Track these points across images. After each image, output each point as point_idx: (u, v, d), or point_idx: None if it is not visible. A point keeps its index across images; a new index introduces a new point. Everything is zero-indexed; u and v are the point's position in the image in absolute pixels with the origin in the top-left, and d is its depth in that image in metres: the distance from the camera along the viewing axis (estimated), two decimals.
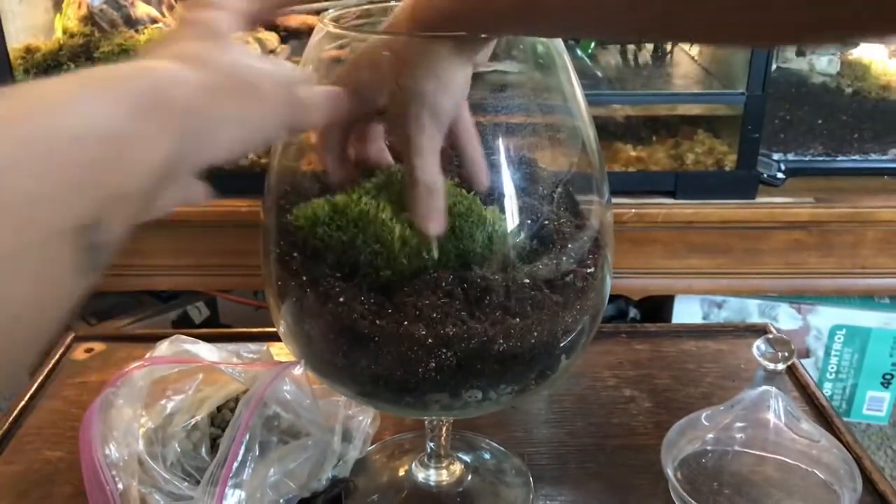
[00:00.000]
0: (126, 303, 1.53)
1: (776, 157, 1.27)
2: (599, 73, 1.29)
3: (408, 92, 0.40)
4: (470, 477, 0.58)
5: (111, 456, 0.49)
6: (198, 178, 0.37)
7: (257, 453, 0.50)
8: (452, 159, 0.45)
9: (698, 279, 1.25)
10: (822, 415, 0.64)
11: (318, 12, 0.48)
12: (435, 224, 0.42)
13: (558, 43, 0.47)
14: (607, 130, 1.24)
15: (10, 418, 0.63)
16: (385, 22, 0.45)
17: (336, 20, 0.47)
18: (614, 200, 0.50)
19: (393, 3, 0.52)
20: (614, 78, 1.30)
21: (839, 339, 1.40)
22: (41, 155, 0.26)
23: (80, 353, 0.72)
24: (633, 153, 1.24)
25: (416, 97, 0.40)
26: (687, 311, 1.42)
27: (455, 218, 0.42)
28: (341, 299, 0.42)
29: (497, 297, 0.42)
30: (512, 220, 0.44)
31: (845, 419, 1.11)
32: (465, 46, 0.40)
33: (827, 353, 1.41)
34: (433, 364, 0.42)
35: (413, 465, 0.58)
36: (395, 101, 0.41)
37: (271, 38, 1.31)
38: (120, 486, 0.48)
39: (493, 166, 0.44)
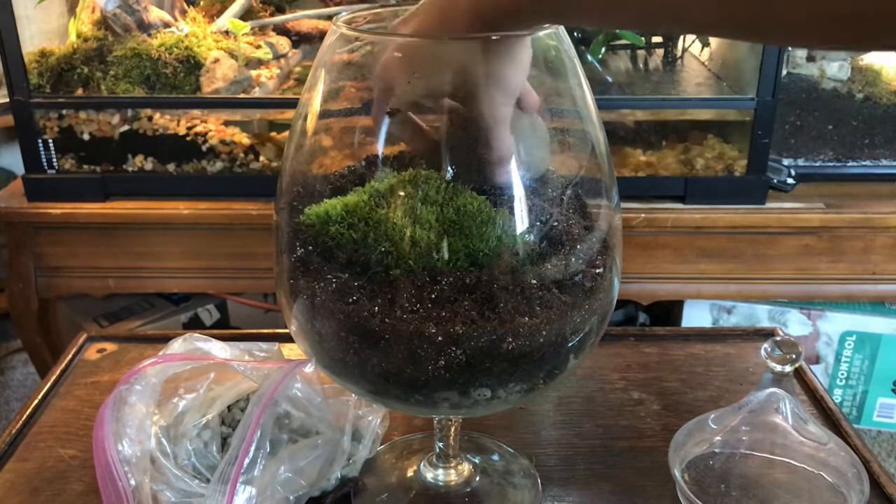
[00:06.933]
0: (137, 305, 1.54)
1: (786, 162, 1.27)
2: (609, 78, 1.30)
3: (473, 73, 0.43)
4: (478, 478, 0.58)
5: (124, 452, 0.50)
6: None
7: (268, 451, 0.50)
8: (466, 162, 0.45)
9: (708, 284, 1.26)
10: (829, 418, 0.64)
11: (329, 17, 0.49)
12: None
13: (569, 47, 0.47)
14: (617, 135, 1.25)
15: (24, 417, 0.64)
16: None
17: (348, 23, 0.48)
18: (624, 205, 0.51)
19: (403, 8, 0.53)
20: (624, 83, 1.31)
21: (849, 345, 1.40)
22: None
23: (92, 353, 0.73)
24: (642, 158, 1.24)
25: (483, 75, 0.43)
26: (696, 317, 1.42)
27: (465, 218, 0.43)
28: (352, 297, 0.43)
29: (506, 297, 0.43)
30: (521, 221, 0.44)
31: (856, 426, 1.11)
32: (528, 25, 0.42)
33: (837, 360, 1.41)
34: (442, 362, 0.43)
35: (422, 465, 0.59)
36: (467, 84, 0.43)
37: (283, 43, 1.32)
38: (132, 482, 0.49)
39: (499, 160, 0.45)
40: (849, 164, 1.28)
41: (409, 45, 0.44)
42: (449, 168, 0.45)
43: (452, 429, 0.56)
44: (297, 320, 0.48)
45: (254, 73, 1.24)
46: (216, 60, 1.21)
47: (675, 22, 0.39)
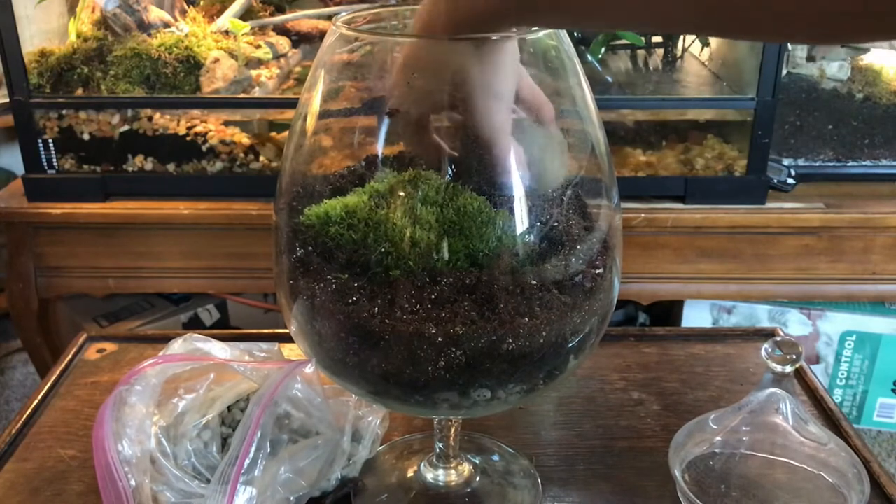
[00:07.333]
0: (137, 305, 1.54)
1: (786, 162, 1.27)
2: (609, 78, 1.30)
3: (465, 84, 0.43)
4: (478, 478, 0.58)
5: (124, 453, 0.50)
6: None
7: (268, 451, 0.50)
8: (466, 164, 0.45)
9: (708, 284, 1.26)
10: (830, 418, 0.64)
11: (329, 17, 0.49)
12: None
13: (568, 47, 0.47)
14: (617, 135, 1.25)
15: (24, 417, 0.63)
16: (405, 22, 0.46)
17: (348, 23, 0.48)
18: (624, 205, 0.51)
19: (403, 8, 0.53)
20: (624, 83, 1.31)
21: (849, 345, 1.40)
22: None
23: (92, 353, 0.73)
24: (642, 158, 1.24)
25: (475, 88, 0.42)
26: (696, 317, 1.42)
27: (465, 218, 0.43)
28: (352, 298, 0.43)
29: (506, 297, 0.43)
30: (521, 221, 0.44)
31: (856, 426, 1.11)
32: (505, 27, 0.42)
33: (837, 360, 1.41)
34: (442, 363, 0.43)
35: (422, 465, 0.59)
36: (458, 94, 0.43)
37: (283, 43, 1.32)
38: (132, 482, 0.49)
39: (503, 169, 0.45)
40: (849, 164, 1.28)
41: (404, 49, 0.44)
42: (449, 168, 0.45)
43: (452, 429, 0.56)
44: (296, 321, 0.48)
45: (254, 73, 1.24)
46: (216, 60, 1.21)
47: (654, 22, 0.39)
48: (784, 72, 1.25)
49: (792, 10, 0.31)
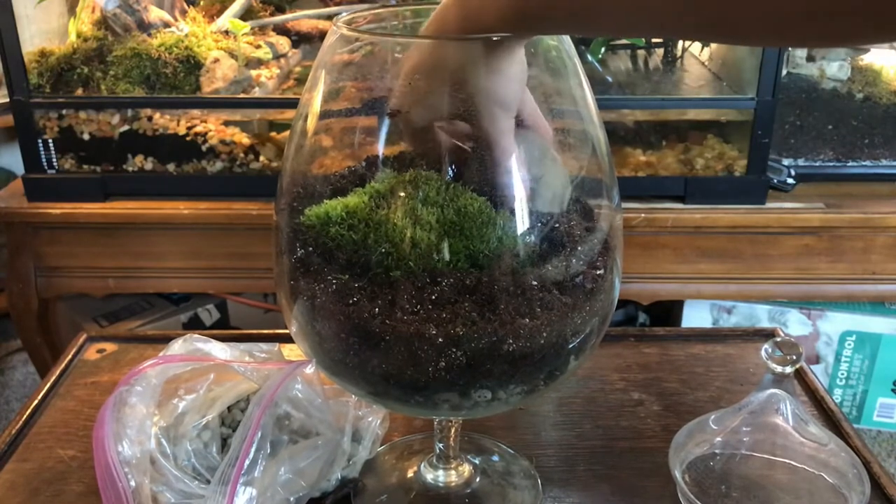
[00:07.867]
0: (137, 305, 1.54)
1: (786, 162, 1.27)
2: (609, 78, 1.30)
3: (470, 88, 0.43)
4: (478, 478, 0.58)
5: (124, 453, 0.50)
6: None
7: (268, 452, 0.50)
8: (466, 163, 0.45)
9: (708, 284, 1.26)
10: (830, 419, 0.64)
11: (329, 17, 0.49)
12: None
13: (569, 47, 0.47)
14: (617, 135, 1.25)
15: (24, 417, 0.63)
16: (408, 23, 0.46)
17: (348, 23, 0.48)
18: (624, 205, 0.51)
19: (403, 8, 0.53)
20: (624, 83, 1.30)
21: (849, 345, 1.40)
22: None
23: (91, 353, 0.73)
24: (642, 158, 1.24)
25: (482, 95, 0.43)
26: (696, 317, 1.42)
27: (465, 219, 0.43)
28: (352, 299, 0.43)
29: (506, 298, 0.43)
30: (522, 222, 0.44)
31: (856, 426, 1.11)
32: (517, 37, 0.43)
33: (837, 360, 1.41)
34: (443, 363, 0.43)
35: (422, 466, 0.59)
36: (468, 100, 0.44)
37: (283, 43, 1.32)
38: (132, 483, 0.49)
39: (505, 170, 0.45)
40: (849, 164, 1.28)
41: (413, 54, 0.44)
42: (449, 169, 0.45)
43: (453, 430, 0.56)
44: (297, 321, 0.48)
45: (254, 73, 1.24)
46: (216, 60, 1.21)
47: (655, 29, 0.39)
48: (784, 72, 1.25)
49: (783, 12, 0.31)
